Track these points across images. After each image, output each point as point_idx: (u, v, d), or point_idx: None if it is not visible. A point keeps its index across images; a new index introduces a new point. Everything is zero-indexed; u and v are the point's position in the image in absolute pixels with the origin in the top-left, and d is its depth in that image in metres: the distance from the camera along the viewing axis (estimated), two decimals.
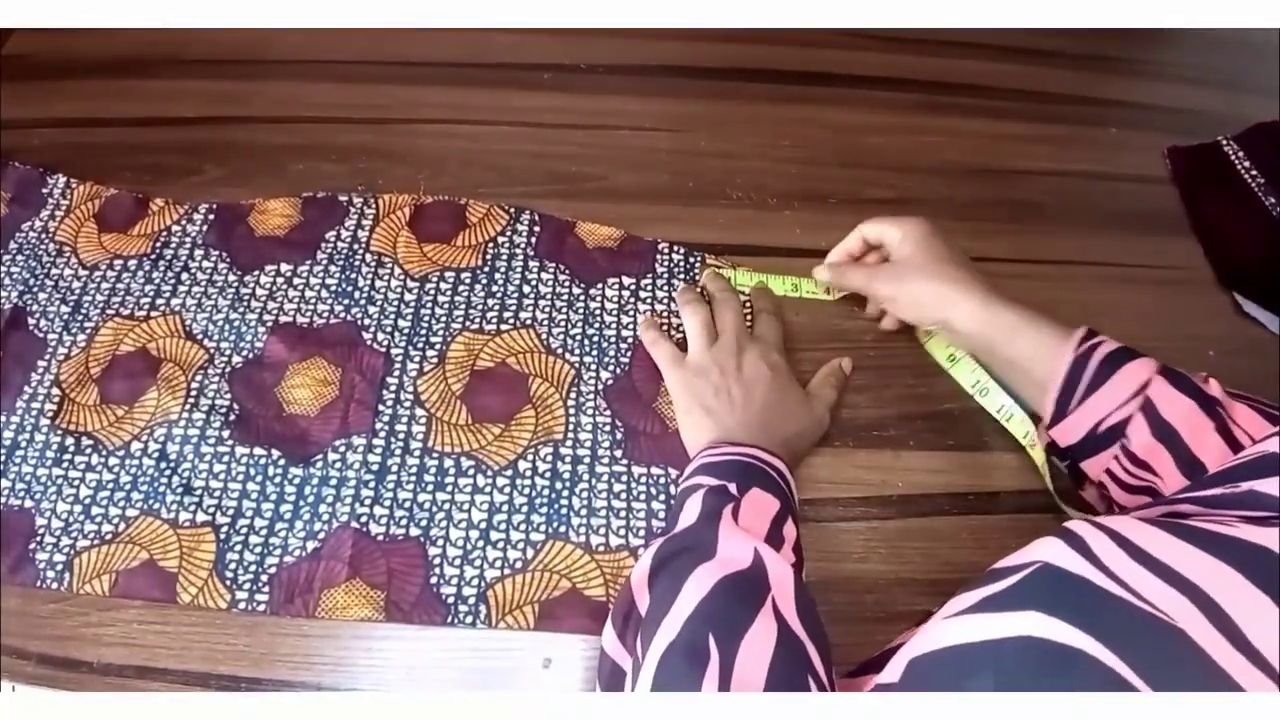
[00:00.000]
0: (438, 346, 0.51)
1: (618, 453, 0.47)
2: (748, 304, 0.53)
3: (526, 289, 0.54)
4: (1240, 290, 0.57)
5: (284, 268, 0.54)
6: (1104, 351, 0.43)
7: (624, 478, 0.46)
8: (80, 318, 0.51)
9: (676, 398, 0.47)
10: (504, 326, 0.52)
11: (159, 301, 0.52)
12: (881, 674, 0.27)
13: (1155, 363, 0.42)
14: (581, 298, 0.53)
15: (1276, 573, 0.21)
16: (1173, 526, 0.24)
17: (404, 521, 0.44)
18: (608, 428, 0.48)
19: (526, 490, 0.45)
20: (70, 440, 0.46)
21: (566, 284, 0.54)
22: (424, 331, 0.51)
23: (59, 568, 0.43)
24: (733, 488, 0.39)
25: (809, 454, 0.47)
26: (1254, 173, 0.64)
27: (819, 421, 0.47)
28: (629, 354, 0.51)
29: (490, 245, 0.56)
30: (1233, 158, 0.65)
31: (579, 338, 0.51)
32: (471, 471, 0.46)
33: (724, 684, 0.31)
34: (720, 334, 0.49)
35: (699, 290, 0.53)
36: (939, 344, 0.51)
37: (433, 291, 0.53)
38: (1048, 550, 0.25)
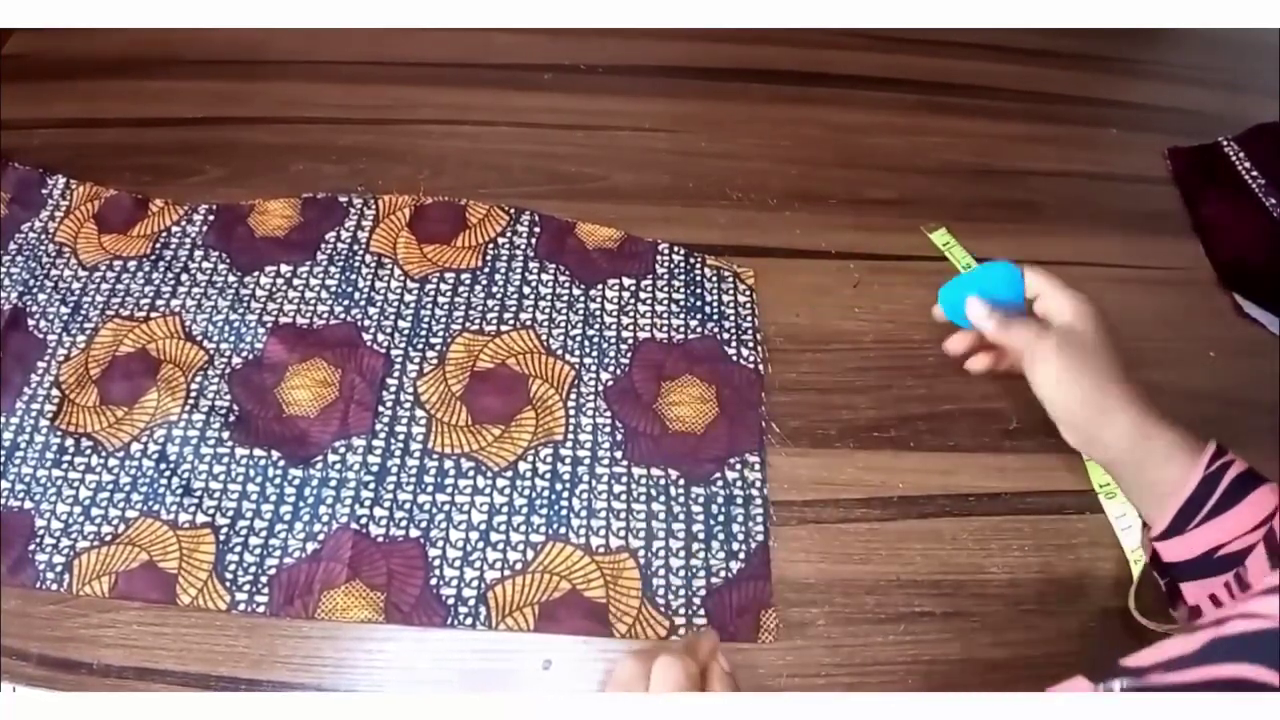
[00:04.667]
0: (438, 347, 0.51)
1: (618, 454, 0.47)
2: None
3: (526, 290, 0.53)
4: (1240, 291, 0.56)
5: (284, 268, 0.54)
6: (1234, 473, 0.40)
7: (624, 479, 0.46)
8: (80, 318, 0.51)
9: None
10: (504, 327, 0.52)
11: (159, 302, 0.52)
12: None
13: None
14: (581, 299, 0.53)
15: None
16: None
17: (404, 523, 0.44)
18: (608, 429, 0.48)
19: (526, 491, 0.45)
20: (70, 441, 0.46)
21: (566, 285, 0.54)
22: (424, 332, 0.51)
23: (59, 569, 0.43)
24: None
25: (808, 454, 0.47)
26: (1254, 173, 0.64)
27: None
28: (629, 355, 0.51)
29: (490, 246, 0.56)
30: (1233, 158, 0.65)
31: (579, 339, 0.51)
32: (471, 473, 0.46)
33: None
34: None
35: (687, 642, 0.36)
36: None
37: (433, 292, 0.53)
38: None
